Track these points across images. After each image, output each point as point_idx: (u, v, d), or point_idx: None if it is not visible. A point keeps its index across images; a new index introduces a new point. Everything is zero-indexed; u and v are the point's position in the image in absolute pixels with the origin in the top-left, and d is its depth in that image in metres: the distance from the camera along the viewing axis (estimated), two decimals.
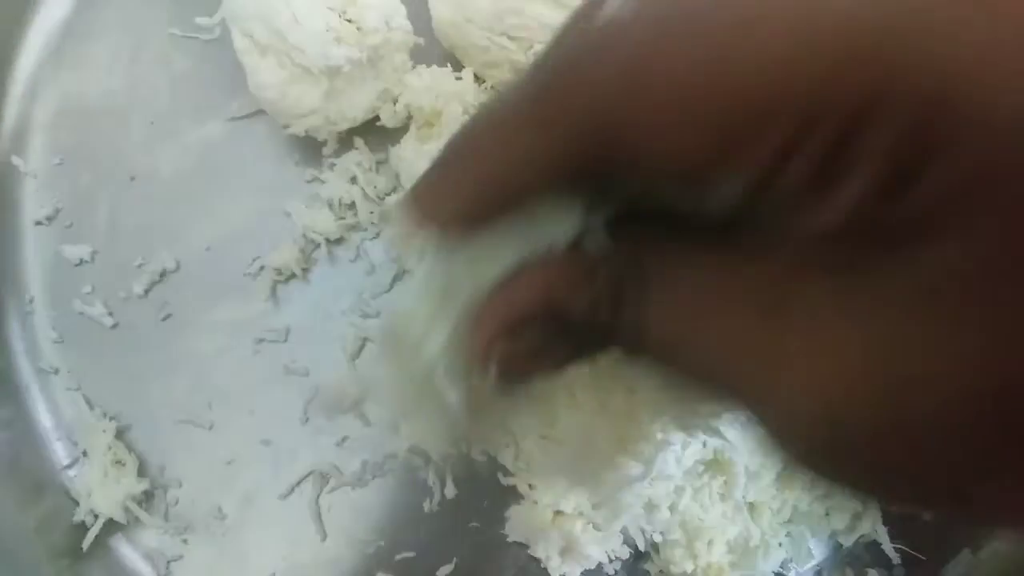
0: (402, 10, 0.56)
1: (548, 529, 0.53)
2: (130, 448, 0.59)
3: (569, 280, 0.25)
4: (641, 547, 0.55)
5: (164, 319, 0.60)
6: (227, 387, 0.59)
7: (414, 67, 0.59)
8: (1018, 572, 0.56)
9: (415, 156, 0.56)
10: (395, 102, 0.58)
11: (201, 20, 0.61)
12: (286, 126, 0.58)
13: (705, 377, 0.23)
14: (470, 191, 0.25)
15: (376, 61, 0.56)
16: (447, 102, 0.57)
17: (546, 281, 0.25)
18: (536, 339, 0.26)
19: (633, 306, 0.24)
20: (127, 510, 0.57)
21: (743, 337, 0.21)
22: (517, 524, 0.55)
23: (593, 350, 0.28)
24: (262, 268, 0.60)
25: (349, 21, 0.54)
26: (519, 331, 0.26)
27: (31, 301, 0.61)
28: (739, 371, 0.22)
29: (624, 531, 0.55)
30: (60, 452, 0.60)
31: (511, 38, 0.56)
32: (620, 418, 0.33)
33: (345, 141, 0.60)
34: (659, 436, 0.34)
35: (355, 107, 0.57)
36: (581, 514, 0.53)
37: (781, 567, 0.57)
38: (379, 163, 0.60)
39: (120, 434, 0.59)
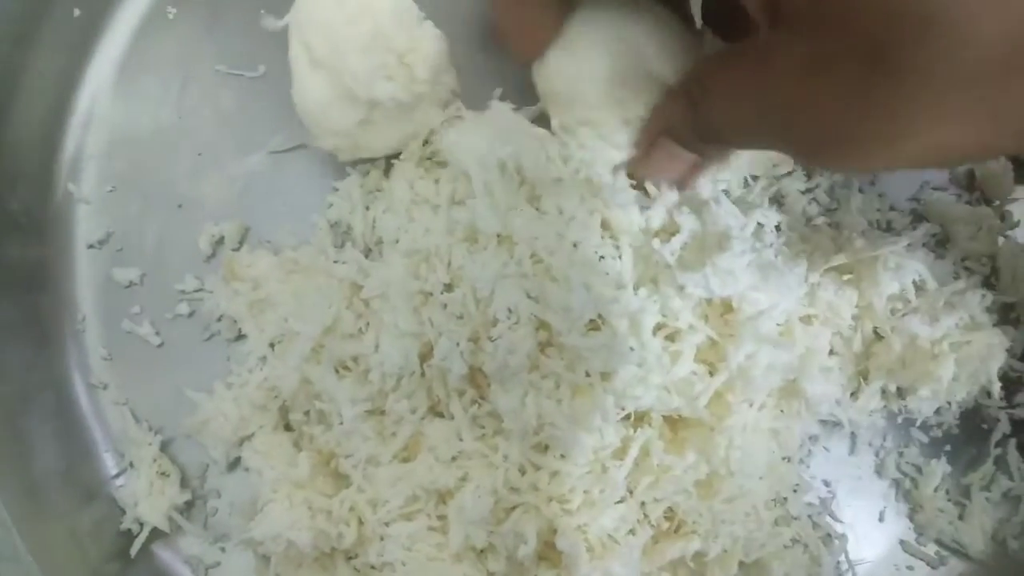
0: (452, 70, 0.60)
1: None
2: (173, 460, 0.63)
3: (672, 105, 0.43)
4: None
5: (208, 339, 0.65)
6: None
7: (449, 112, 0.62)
8: None
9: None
10: (426, 142, 0.62)
11: (266, 22, 0.59)
12: (306, 145, 0.61)
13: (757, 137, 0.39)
14: None
15: (414, 107, 0.59)
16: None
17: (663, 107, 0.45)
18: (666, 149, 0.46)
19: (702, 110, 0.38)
20: (171, 519, 0.62)
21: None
22: None
23: (698, 150, 0.45)
24: None
25: (405, 65, 0.57)
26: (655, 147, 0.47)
27: (83, 320, 0.65)
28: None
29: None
30: (108, 463, 0.64)
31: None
32: None
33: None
34: None
35: (382, 140, 0.61)
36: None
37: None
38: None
39: (164, 447, 0.64)
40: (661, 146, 0.43)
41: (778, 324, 0.56)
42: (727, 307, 0.57)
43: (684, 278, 0.55)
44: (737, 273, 0.55)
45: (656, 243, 0.56)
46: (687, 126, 0.39)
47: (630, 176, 0.55)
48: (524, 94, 0.64)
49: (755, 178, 0.63)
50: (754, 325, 0.55)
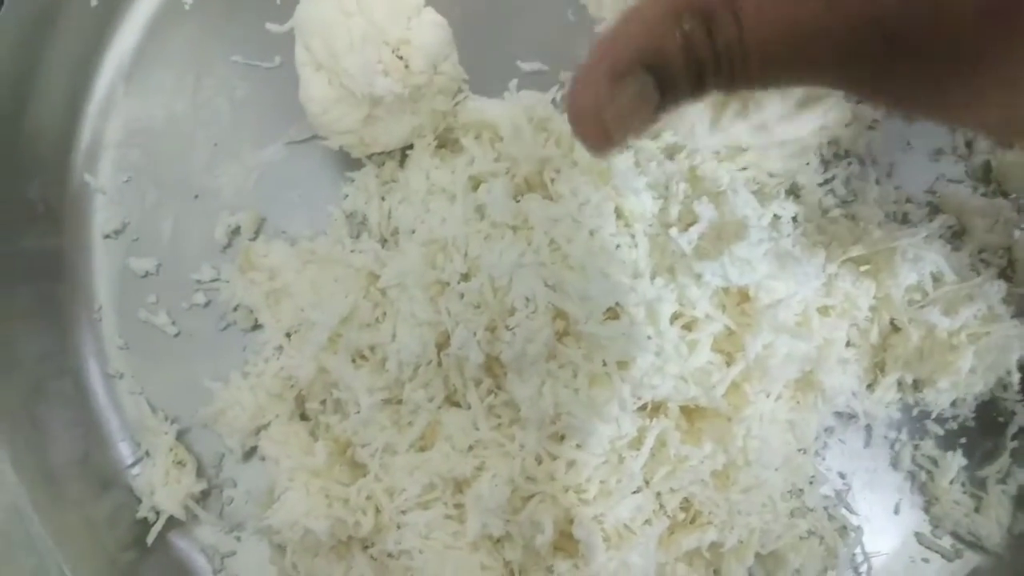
0: (454, 56, 0.60)
1: None
2: (189, 449, 0.63)
3: (660, 27, 0.29)
4: None
5: (224, 329, 0.65)
6: None
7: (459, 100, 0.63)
8: None
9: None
10: (436, 129, 0.62)
11: (271, 26, 0.63)
12: (324, 138, 0.62)
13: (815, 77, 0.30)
14: None
15: (418, 99, 0.59)
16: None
17: (641, 31, 0.29)
18: (637, 89, 0.30)
19: (728, 28, 0.29)
20: (187, 508, 0.62)
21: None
22: None
23: (688, 95, 0.31)
24: None
25: (400, 58, 0.57)
26: (621, 85, 0.30)
27: (99, 310, 0.66)
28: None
29: None
30: (125, 452, 0.64)
31: None
32: None
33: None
34: None
35: (390, 135, 0.61)
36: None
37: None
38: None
39: (180, 436, 0.64)
40: (636, 84, 0.30)
41: (796, 314, 0.56)
42: (744, 296, 0.57)
43: (701, 266, 0.55)
44: (754, 262, 0.55)
45: (673, 232, 0.56)
46: (711, 50, 0.29)
47: (574, 122, 0.33)
48: (536, 85, 0.65)
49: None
50: (772, 314, 0.55)
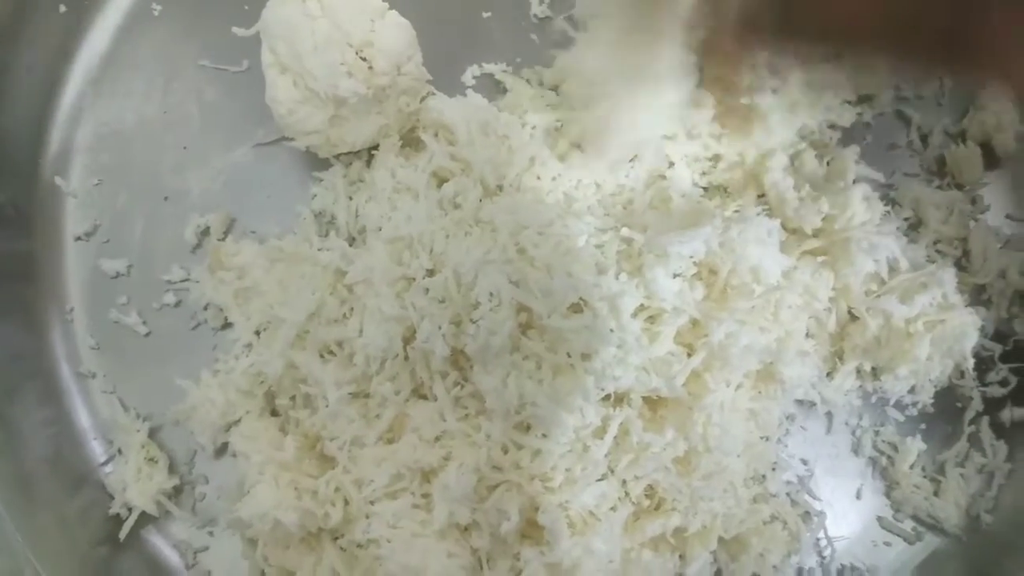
0: (418, 57, 0.61)
1: None
2: (161, 447, 0.64)
3: None
4: None
5: (195, 328, 0.65)
6: None
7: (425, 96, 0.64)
8: None
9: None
10: (402, 129, 0.63)
11: (237, 30, 0.65)
12: (291, 139, 0.63)
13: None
14: None
15: (382, 99, 0.61)
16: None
17: None
18: None
19: None
20: (159, 504, 0.62)
21: None
22: None
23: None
24: None
25: (364, 60, 0.58)
26: None
27: (71, 311, 0.66)
28: None
29: None
30: (97, 450, 0.65)
31: None
32: None
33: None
34: None
35: (356, 135, 0.62)
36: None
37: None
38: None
39: (152, 434, 0.64)
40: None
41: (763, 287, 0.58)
42: (713, 271, 0.58)
43: (674, 245, 0.56)
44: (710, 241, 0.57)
45: (625, 231, 0.57)
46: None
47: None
48: (497, 87, 0.66)
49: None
50: (754, 274, 0.56)
